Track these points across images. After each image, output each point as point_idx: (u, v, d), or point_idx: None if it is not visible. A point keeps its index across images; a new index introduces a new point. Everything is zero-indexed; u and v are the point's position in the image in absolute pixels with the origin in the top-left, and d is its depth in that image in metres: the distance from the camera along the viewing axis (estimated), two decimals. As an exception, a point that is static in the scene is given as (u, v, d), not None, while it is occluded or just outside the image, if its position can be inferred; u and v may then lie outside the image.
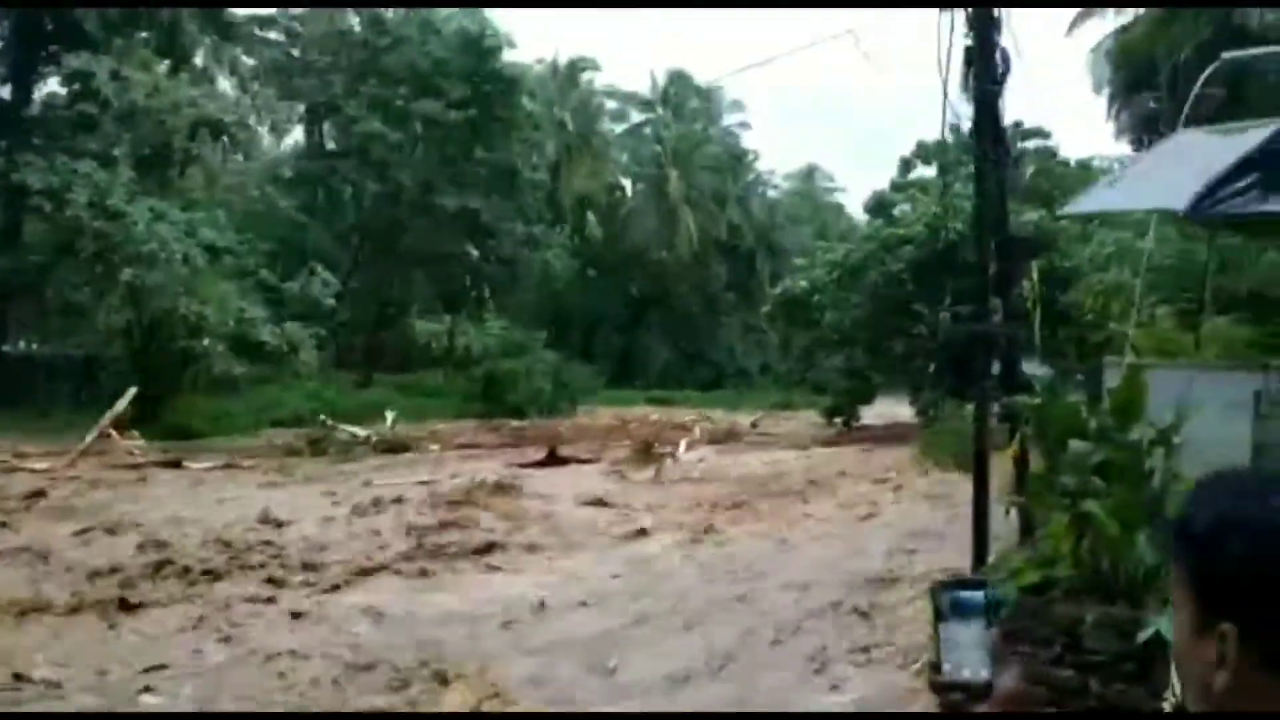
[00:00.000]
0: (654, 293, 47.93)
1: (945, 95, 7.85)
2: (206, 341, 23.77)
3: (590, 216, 47.67)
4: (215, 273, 24.96)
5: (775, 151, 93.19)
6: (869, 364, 28.27)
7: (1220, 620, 1.02)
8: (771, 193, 56.14)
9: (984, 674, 1.16)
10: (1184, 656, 1.08)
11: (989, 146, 7.78)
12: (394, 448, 21.74)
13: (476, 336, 35.57)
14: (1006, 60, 7.84)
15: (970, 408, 9.51)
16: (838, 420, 29.26)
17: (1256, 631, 1.00)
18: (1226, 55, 9.78)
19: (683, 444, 22.41)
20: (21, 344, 31.07)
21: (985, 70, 7.67)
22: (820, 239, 40.21)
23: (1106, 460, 6.93)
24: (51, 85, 28.10)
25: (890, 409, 29.75)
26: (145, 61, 25.45)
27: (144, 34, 27.44)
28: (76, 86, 25.99)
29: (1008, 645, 1.20)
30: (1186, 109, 8.58)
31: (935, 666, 1.18)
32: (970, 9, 7.63)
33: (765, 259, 49.74)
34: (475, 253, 35.16)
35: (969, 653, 1.17)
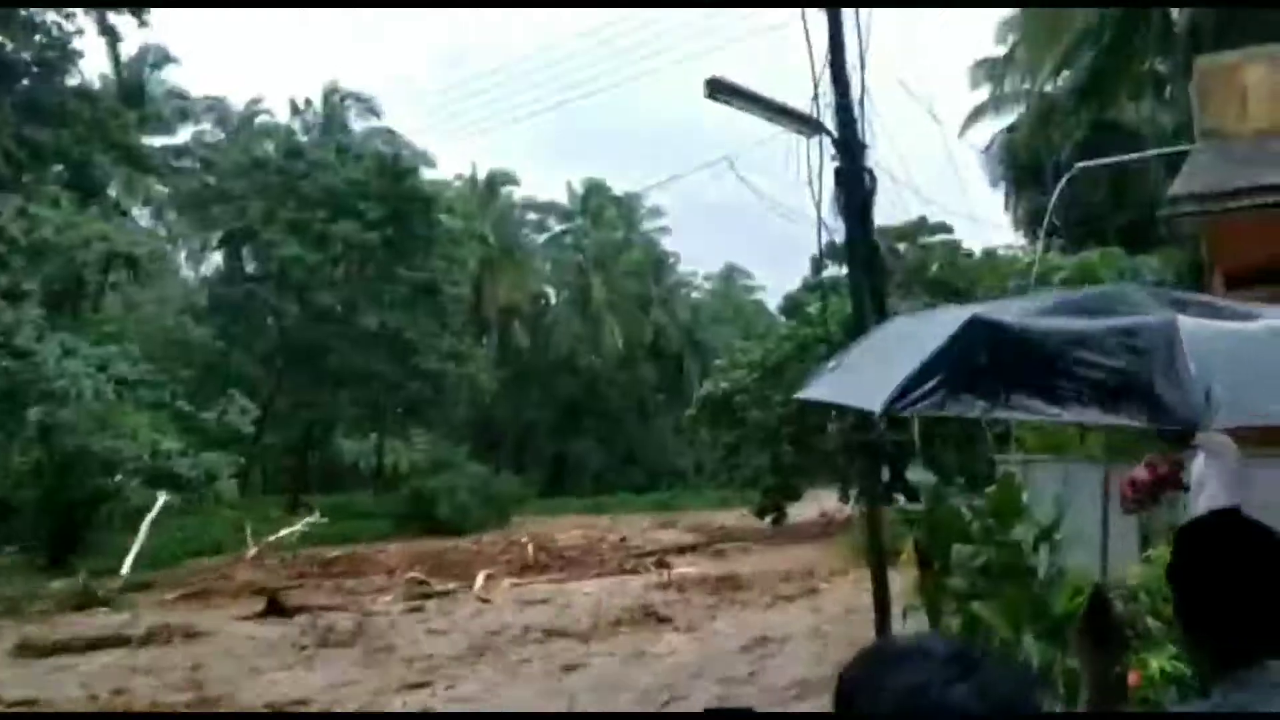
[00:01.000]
0: (583, 399, 48.08)
1: (819, 216, 8.22)
2: (120, 477, 23.21)
3: (516, 326, 47.97)
4: (129, 406, 24.53)
5: (693, 254, 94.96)
6: (796, 460, 28.53)
7: None
8: (694, 294, 57.08)
9: None
10: None
11: (860, 258, 8.13)
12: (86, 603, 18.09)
13: (404, 453, 35.27)
14: (873, 180, 8.27)
15: (892, 508, 9.70)
16: (767, 519, 29.42)
17: None
18: (1080, 165, 10.37)
19: (480, 577, 19.29)
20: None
21: (852, 189, 8.07)
22: (744, 337, 40.88)
23: (990, 561, 7.13)
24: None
25: (822, 504, 30.05)
26: (54, 198, 25.34)
27: (55, 168, 27.37)
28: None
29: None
30: (1049, 214, 9.08)
31: None
32: (833, 141, 8.04)
33: (693, 359, 50.28)
34: (399, 370, 35.03)
35: None
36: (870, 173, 8.22)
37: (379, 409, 36.98)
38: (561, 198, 51.80)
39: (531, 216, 51.07)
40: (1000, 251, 31.50)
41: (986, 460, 11.05)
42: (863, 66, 8.11)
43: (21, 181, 25.60)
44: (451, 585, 19.01)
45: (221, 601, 18.26)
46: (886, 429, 8.10)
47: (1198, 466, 8.05)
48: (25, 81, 27.74)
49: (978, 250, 31.57)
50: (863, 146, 8.34)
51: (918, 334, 2.92)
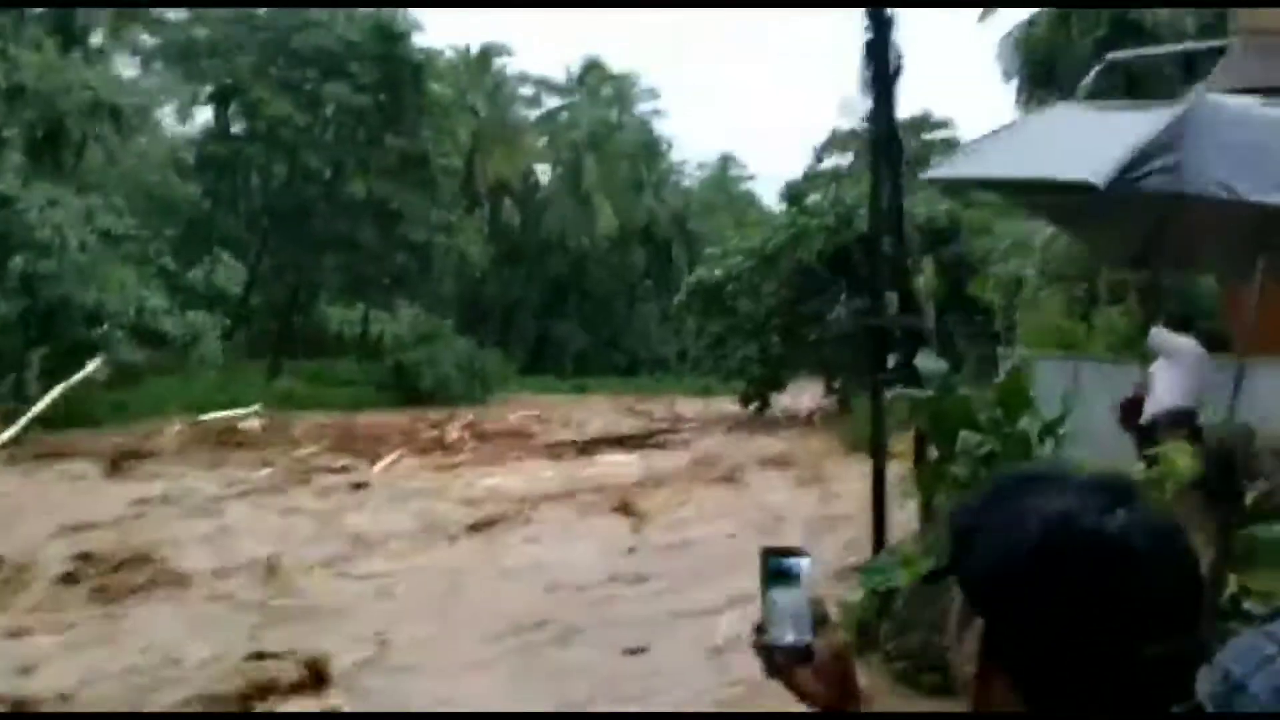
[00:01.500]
0: (571, 280, 47.80)
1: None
2: (104, 329, 22.99)
3: (506, 203, 47.31)
4: (114, 260, 24.15)
5: (688, 139, 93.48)
6: (783, 352, 28.57)
7: (975, 615, 1.05)
8: (686, 181, 56.31)
9: (806, 638, 1.21)
10: (952, 648, 1.10)
11: (881, 142, 7.89)
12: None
13: (388, 324, 35.08)
14: (900, 57, 7.96)
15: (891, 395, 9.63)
16: (751, 406, 29.61)
17: (994, 631, 1.02)
18: (1110, 55, 10.05)
19: (388, 460, 18.45)
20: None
21: (879, 67, 7.78)
22: (735, 227, 40.50)
23: (995, 451, 7.11)
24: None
25: (805, 395, 30.24)
26: (36, 41, 24.44)
27: (35, 11, 26.35)
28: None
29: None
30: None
31: (759, 629, 1.22)
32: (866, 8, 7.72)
33: (682, 246, 49.88)
34: (385, 240, 34.58)
35: (792, 617, 1.20)
36: (897, 49, 7.91)
37: (364, 278, 36.62)
38: (557, 74, 50.55)
39: (526, 91, 49.87)
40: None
41: (989, 354, 11.03)
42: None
43: (0, 23, 24.67)
44: (346, 462, 18.15)
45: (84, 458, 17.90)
46: (900, 313, 7.97)
47: (1155, 368, 8.12)
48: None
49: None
50: (890, 20, 8.02)
51: (1110, 119, 2.72)
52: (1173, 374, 7.90)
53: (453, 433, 22.90)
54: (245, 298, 34.11)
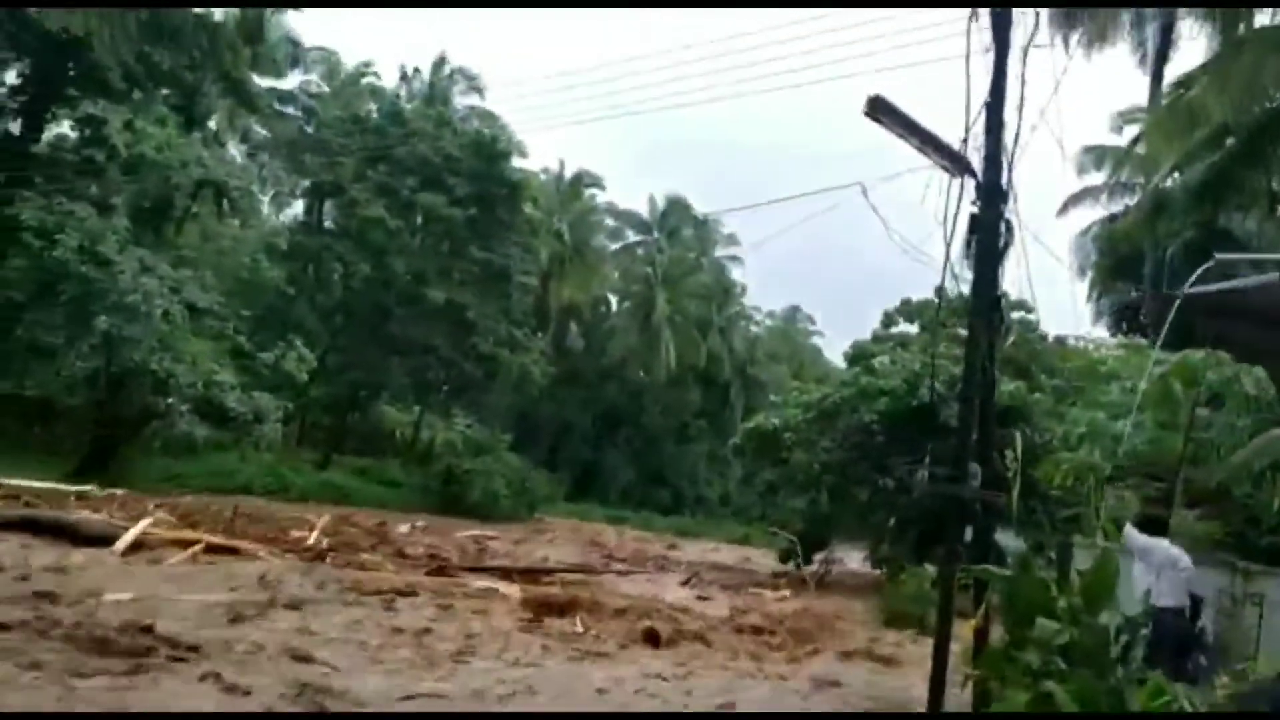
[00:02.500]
0: (626, 410, 47.97)
1: (948, 257, 7.98)
2: (171, 400, 23.41)
3: (574, 327, 48.04)
4: (193, 333, 24.77)
5: (759, 288, 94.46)
6: (831, 509, 28.13)
7: None
8: (754, 328, 56.79)
9: None
10: None
11: (985, 312, 7.89)
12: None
13: (442, 431, 35.31)
14: (1011, 231, 8.04)
15: (929, 568, 9.40)
16: (789, 563, 29.03)
17: None
18: (1219, 256, 10.08)
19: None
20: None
21: (988, 239, 7.85)
22: (796, 379, 40.57)
23: (1073, 642, 6.85)
24: (63, 127, 28.32)
25: (846, 558, 29.58)
26: (161, 117, 25.72)
27: (164, 91, 27.79)
28: (87, 131, 26.22)
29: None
30: (1178, 303, 8.83)
31: None
32: (976, 185, 7.85)
33: (740, 391, 50.03)
34: (455, 348, 35.14)
35: None
36: (1009, 224, 7.99)
37: (427, 382, 37.07)
38: (642, 209, 51.81)
39: (609, 222, 51.11)
40: (1070, 341, 31.06)
41: (1066, 542, 10.77)
42: (1021, 109, 7.90)
43: (132, 97, 26.03)
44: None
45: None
46: (981, 486, 7.82)
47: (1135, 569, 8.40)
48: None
49: (1050, 335, 31.16)
50: (1006, 194, 8.13)
51: None
52: (1148, 577, 8.35)
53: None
54: (308, 387, 34.68)
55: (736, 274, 53.82)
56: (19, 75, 27.51)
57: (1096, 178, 28.27)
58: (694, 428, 49.93)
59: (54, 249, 22.72)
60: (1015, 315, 30.53)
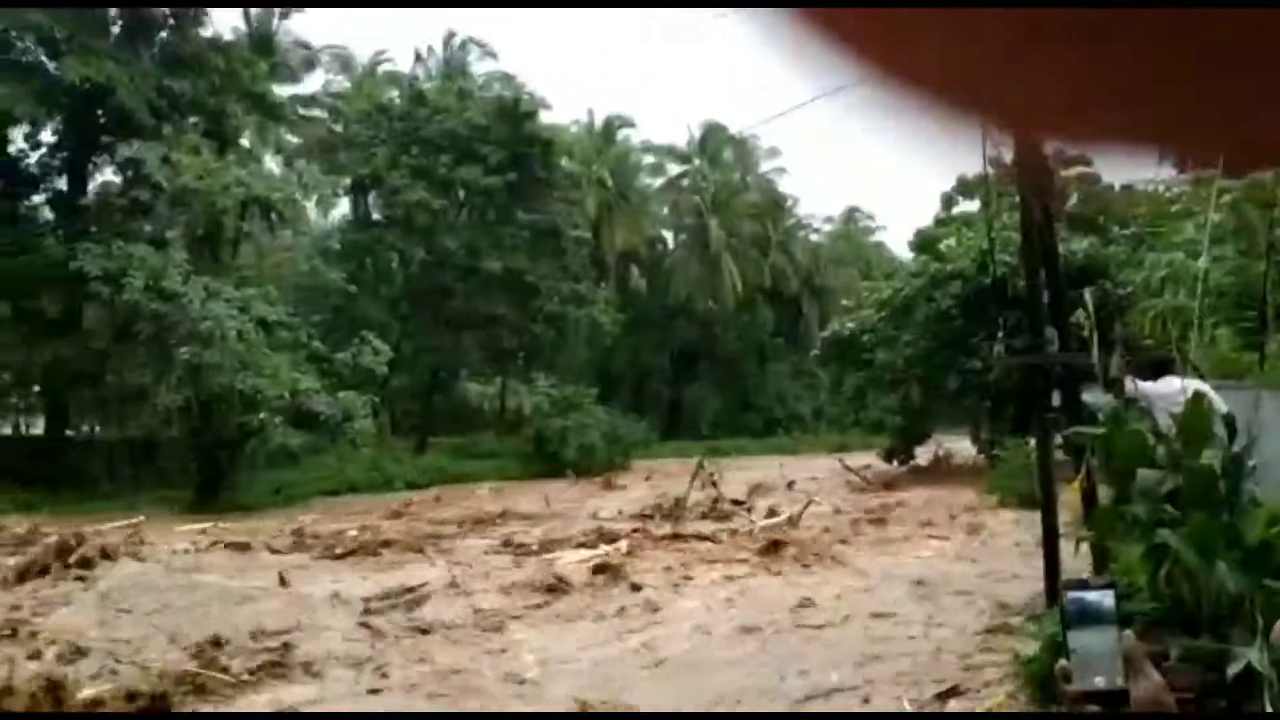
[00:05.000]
0: (701, 343, 47.88)
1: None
2: (263, 415, 24.04)
3: (634, 270, 47.97)
4: (269, 347, 25.34)
5: (812, 194, 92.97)
6: (924, 402, 27.91)
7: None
8: (813, 236, 56.04)
9: (1118, 681, 1.10)
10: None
11: (1031, 177, 7.70)
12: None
13: (526, 396, 35.72)
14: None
15: (1030, 442, 9.27)
16: (894, 461, 28.96)
17: None
18: None
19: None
20: (85, 429, 31.72)
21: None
22: (865, 279, 40.07)
23: (1179, 487, 6.74)
24: (106, 174, 29.03)
25: (952, 446, 29.36)
26: (194, 146, 26.11)
27: (192, 119, 28.19)
28: (130, 173, 26.82)
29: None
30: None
31: (1066, 676, 1.12)
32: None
33: (811, 303, 49.60)
34: (521, 313, 35.44)
35: (1101, 660, 1.11)
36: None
37: (502, 352, 37.48)
38: (678, 140, 51.24)
39: (649, 160, 50.69)
40: (1139, 186, 30.07)
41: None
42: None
43: (163, 132, 26.47)
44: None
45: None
46: (1060, 349, 7.69)
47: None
48: (163, 34, 28.64)
49: (1117, 185, 30.21)
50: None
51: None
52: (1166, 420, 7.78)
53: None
54: (388, 379, 35.31)
55: (785, 186, 53.09)
56: (54, 132, 28.16)
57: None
58: (771, 347, 49.70)
59: (122, 292, 23.39)
60: (1074, 170, 29.72)
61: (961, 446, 28.99)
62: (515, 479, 29.80)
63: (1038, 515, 8.44)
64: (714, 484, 20.48)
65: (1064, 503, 8.62)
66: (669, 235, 51.37)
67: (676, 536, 15.10)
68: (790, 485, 24.53)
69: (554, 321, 36.65)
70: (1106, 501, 7.60)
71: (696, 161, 50.35)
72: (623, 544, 14.19)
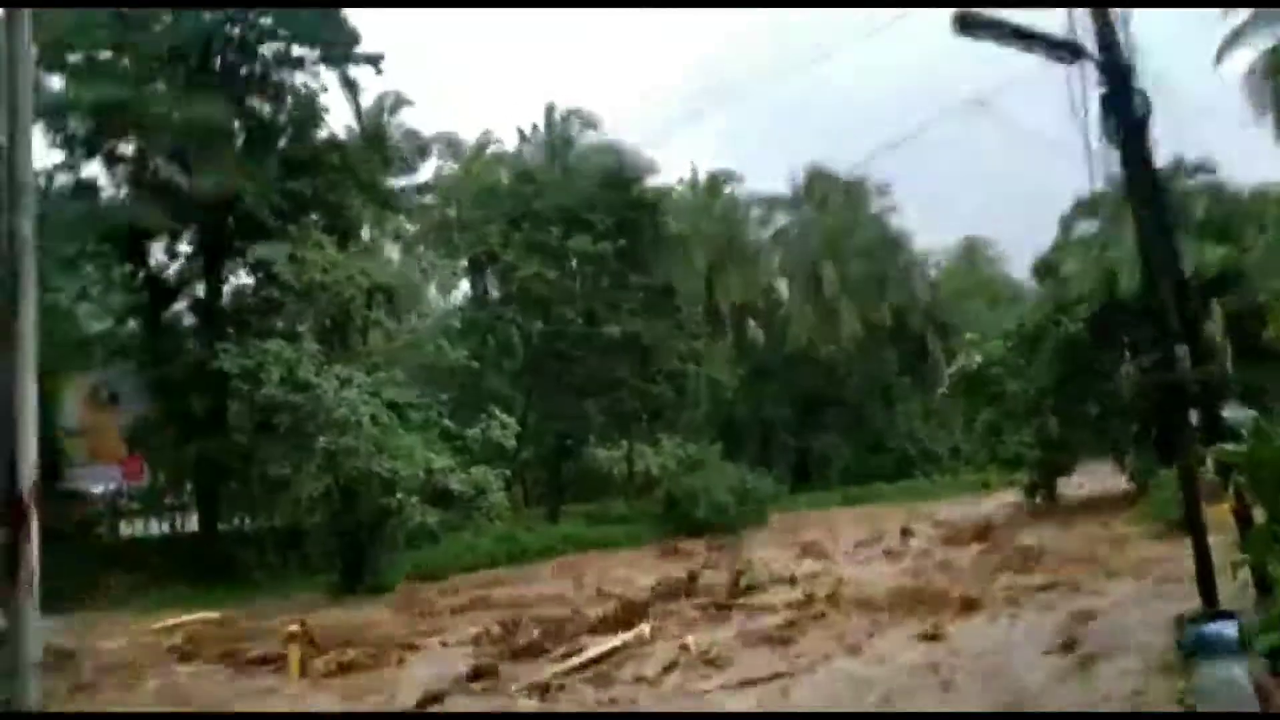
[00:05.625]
0: (824, 389, 47.19)
1: (1088, 146, 7.56)
2: (400, 496, 24.63)
3: (750, 322, 47.82)
4: (401, 428, 26.04)
5: (928, 229, 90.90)
6: (1062, 432, 26.89)
7: None
8: (932, 271, 54.94)
9: (1245, 710, 1.02)
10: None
11: (1142, 190, 7.42)
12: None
13: (653, 457, 35.78)
14: (1146, 102, 7.54)
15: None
16: (1036, 496, 27.94)
17: None
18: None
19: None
20: (235, 521, 33.09)
21: (1124, 115, 7.39)
22: (989, 309, 39.07)
23: (1337, 503, 6.33)
24: (240, 276, 30.59)
25: (1096, 478, 28.17)
26: (317, 242, 27.31)
27: (314, 216, 29.51)
28: (260, 274, 28.21)
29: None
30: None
31: (1191, 709, 1.05)
32: (1099, 62, 7.41)
33: (936, 338, 48.55)
34: (641, 375, 35.67)
35: (1222, 690, 1.04)
36: (1143, 94, 7.49)
37: (625, 415, 37.69)
38: (784, 187, 51.13)
39: (756, 212, 50.69)
40: (1273, 190, 28.68)
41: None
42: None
43: (288, 230, 27.78)
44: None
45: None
46: (1192, 364, 7.32)
47: None
48: (282, 142, 30.26)
49: (1246, 191, 28.85)
50: (1129, 67, 7.64)
51: None
52: None
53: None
54: (517, 450, 35.86)
55: (897, 222, 52.32)
56: (189, 243, 29.88)
57: (1243, 13, 26.02)
58: (898, 387, 48.70)
59: (260, 387, 24.45)
60: (1198, 179, 28.49)
61: (1108, 475, 27.79)
62: (648, 542, 29.75)
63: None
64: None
65: (1217, 524, 8.14)
66: (783, 284, 51.08)
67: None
68: (905, 534, 23.83)
69: (673, 380, 36.75)
70: (1261, 521, 7.17)
71: (804, 208, 50.15)
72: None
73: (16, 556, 6.24)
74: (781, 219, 51.11)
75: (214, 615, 20.20)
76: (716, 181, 48.85)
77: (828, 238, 48.17)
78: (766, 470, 40.12)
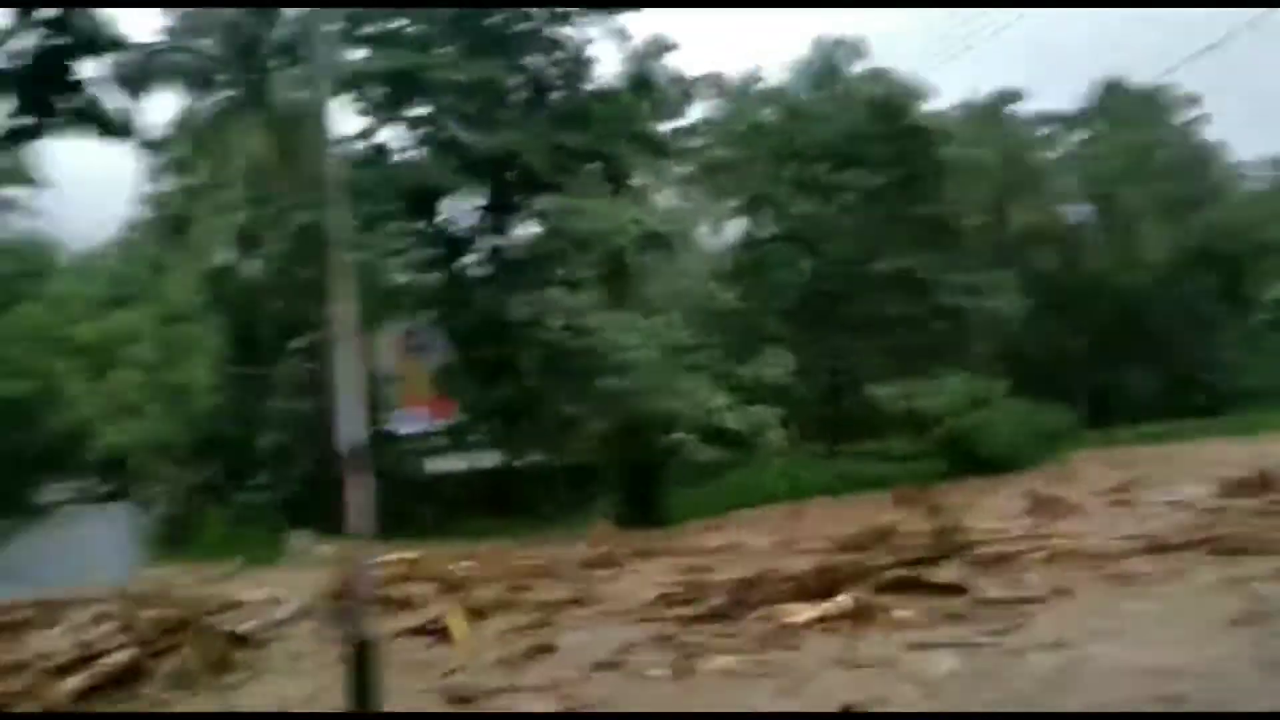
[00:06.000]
0: (1124, 320, 43.71)
1: None
2: (680, 435, 25.25)
3: (1039, 250, 44.93)
4: (679, 370, 26.61)
5: (1242, 142, 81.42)
6: None
7: None
8: (1251, 186, 49.42)
9: None
10: None
11: None
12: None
13: (933, 395, 34.64)
14: None
15: None
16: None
17: None
18: None
19: None
20: (529, 458, 35.05)
21: None
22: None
23: None
24: (525, 228, 32.06)
25: None
26: (588, 192, 28.19)
27: (587, 167, 30.37)
28: (542, 226, 29.46)
29: None
30: None
31: None
32: None
33: (1254, 260, 43.82)
34: (919, 310, 34.51)
35: None
36: None
37: (901, 351, 36.66)
38: (1072, 104, 47.37)
39: (1042, 131, 47.33)
40: None
41: None
42: None
43: (562, 182, 28.80)
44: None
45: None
46: None
47: None
48: (553, 94, 31.27)
49: None
50: None
51: None
52: None
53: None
54: (792, 389, 35.74)
55: (1209, 133, 47.28)
56: (477, 197, 31.62)
57: None
58: (1209, 314, 44.38)
59: (546, 334, 25.67)
60: None
61: None
62: (930, 481, 28.88)
63: None
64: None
65: None
66: (1076, 208, 47.53)
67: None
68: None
69: (951, 316, 35.27)
70: None
71: (1098, 125, 46.32)
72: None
73: (357, 503, 6.82)
74: (1072, 139, 47.50)
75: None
76: (997, 102, 45.98)
77: (1126, 156, 44.29)
78: (1064, 407, 37.83)
